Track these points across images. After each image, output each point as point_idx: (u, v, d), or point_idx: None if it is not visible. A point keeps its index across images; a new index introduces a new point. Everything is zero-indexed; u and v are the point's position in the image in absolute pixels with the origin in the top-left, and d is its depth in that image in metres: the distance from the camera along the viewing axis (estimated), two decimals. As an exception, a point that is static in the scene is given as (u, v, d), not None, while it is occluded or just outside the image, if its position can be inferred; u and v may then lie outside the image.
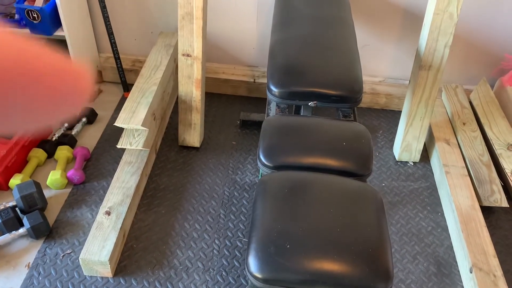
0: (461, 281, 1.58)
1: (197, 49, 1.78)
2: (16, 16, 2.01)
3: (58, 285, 1.50)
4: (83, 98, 0.40)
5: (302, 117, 1.47)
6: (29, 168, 1.81)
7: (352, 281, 0.99)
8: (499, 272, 1.50)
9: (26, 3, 1.96)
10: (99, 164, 1.91)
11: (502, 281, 1.48)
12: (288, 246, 1.01)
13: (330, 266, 1.00)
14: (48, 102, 0.36)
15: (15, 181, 1.73)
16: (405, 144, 1.96)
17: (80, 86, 0.39)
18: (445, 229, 1.75)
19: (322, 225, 1.06)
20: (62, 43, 2.10)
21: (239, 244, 1.65)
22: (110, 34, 2.08)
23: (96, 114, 2.11)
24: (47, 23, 1.95)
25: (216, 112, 2.21)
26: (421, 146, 1.96)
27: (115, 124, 1.70)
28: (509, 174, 1.84)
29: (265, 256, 1.01)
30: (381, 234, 1.06)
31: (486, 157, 1.91)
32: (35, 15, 1.93)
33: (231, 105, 2.25)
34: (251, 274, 1.01)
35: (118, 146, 1.69)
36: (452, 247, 1.69)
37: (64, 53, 0.38)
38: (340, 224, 1.06)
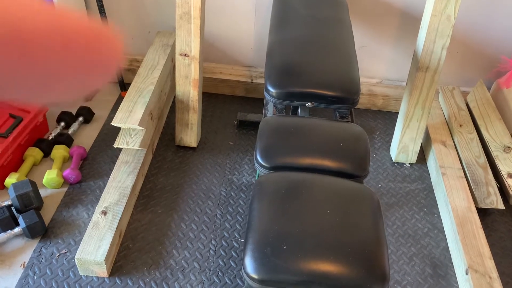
0: (457, 283, 1.58)
1: (195, 49, 1.77)
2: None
3: (54, 284, 1.49)
4: (114, 63, 0.39)
5: (299, 117, 1.47)
6: (25, 167, 1.81)
7: (349, 282, 0.99)
8: (494, 274, 1.50)
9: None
10: (95, 163, 1.90)
11: (498, 283, 1.48)
12: (284, 247, 1.01)
13: (326, 267, 1.00)
14: (80, 68, 0.35)
15: (10, 180, 1.72)
16: (402, 145, 1.96)
17: (111, 51, 0.38)
18: (441, 230, 1.76)
19: (318, 226, 1.06)
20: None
21: (235, 244, 1.65)
22: (108, 33, 2.07)
23: (93, 114, 2.11)
24: (44, 22, 1.94)
25: (213, 112, 2.21)
26: (417, 148, 1.97)
27: (112, 123, 1.69)
28: (505, 176, 1.84)
29: (262, 257, 1.00)
30: (377, 236, 1.06)
31: (483, 159, 1.91)
32: (32, 14, 1.92)
33: (229, 105, 2.25)
34: (247, 275, 1.01)
35: (115, 145, 1.69)
36: (448, 248, 1.69)
37: (95, 19, 0.38)
38: (337, 225, 1.06)
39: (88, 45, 0.35)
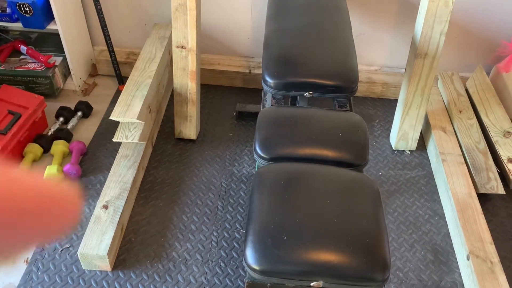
0: (458, 268, 1.59)
1: (192, 41, 1.76)
2: (8, 10, 1.98)
3: (57, 279, 1.50)
4: (70, 224, 0.39)
5: (297, 108, 1.47)
6: (25, 163, 1.81)
7: (349, 272, 1.00)
8: (495, 258, 1.51)
9: (17, -4, 1.93)
10: (95, 158, 1.90)
11: (499, 267, 1.49)
12: (285, 238, 1.01)
13: (327, 257, 1.00)
14: (33, 230, 0.36)
15: (11, 176, 1.72)
16: (402, 132, 1.96)
17: (68, 212, 0.39)
18: (442, 217, 1.76)
19: (318, 216, 1.07)
20: (55, 35, 2.09)
21: (237, 235, 1.66)
22: (104, 26, 2.06)
23: (92, 108, 2.10)
24: (39, 17, 1.93)
25: (212, 104, 2.20)
26: (417, 135, 1.96)
27: (111, 117, 1.69)
28: (505, 161, 1.84)
29: (263, 248, 1.01)
30: (377, 224, 1.06)
31: (483, 144, 1.91)
32: (27, 9, 1.91)
33: (227, 97, 2.24)
34: (248, 266, 1.01)
35: (114, 139, 1.68)
36: (449, 234, 1.70)
37: (51, 182, 0.38)
38: (337, 214, 1.06)
39: (41, 205, 0.36)
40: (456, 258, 1.62)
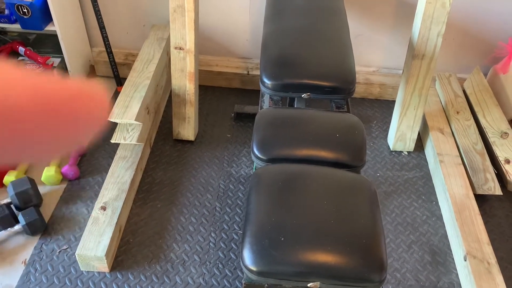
0: (456, 269, 1.60)
1: (190, 42, 1.76)
2: (6, 11, 1.99)
3: (55, 281, 1.50)
4: (99, 121, 0.39)
5: (295, 109, 1.47)
6: (23, 164, 1.81)
7: (346, 273, 1.00)
8: (493, 259, 1.51)
9: (15, -2, 1.93)
10: (93, 159, 1.90)
11: (496, 268, 1.49)
12: (282, 239, 1.02)
13: (324, 258, 1.01)
14: (65, 133, 0.36)
15: (9, 178, 1.72)
16: (399, 133, 1.96)
17: (96, 110, 0.39)
18: (440, 218, 1.77)
19: (316, 218, 1.07)
20: (54, 37, 2.09)
21: (235, 236, 1.66)
22: (102, 28, 2.07)
23: (90, 109, 2.10)
24: (37, 18, 1.93)
25: (210, 105, 2.21)
26: (415, 136, 1.97)
27: (108, 119, 1.69)
28: (502, 162, 1.85)
29: (260, 249, 1.01)
30: (374, 225, 1.07)
31: (480, 145, 1.91)
32: (25, 10, 1.91)
33: (225, 98, 2.25)
34: (246, 267, 1.01)
35: (112, 141, 1.69)
36: (446, 235, 1.70)
37: (76, 78, 0.38)
38: (334, 216, 1.07)
39: (71, 106, 0.36)
40: (453, 259, 1.63)
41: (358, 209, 1.10)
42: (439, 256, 1.64)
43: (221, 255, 1.60)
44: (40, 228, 1.61)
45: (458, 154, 1.88)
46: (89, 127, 0.39)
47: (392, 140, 2.00)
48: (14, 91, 0.31)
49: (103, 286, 1.50)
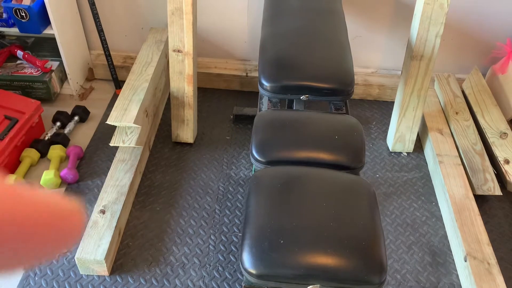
0: (456, 270, 1.59)
1: (188, 45, 1.76)
2: (4, 15, 1.99)
3: (55, 285, 1.50)
4: (73, 238, 0.40)
5: (293, 111, 1.47)
6: (22, 168, 1.80)
7: (346, 275, 1.00)
8: (493, 260, 1.51)
9: (13, 1, 1.93)
10: (92, 162, 1.90)
11: (496, 269, 1.49)
12: (281, 242, 1.01)
13: (324, 260, 1.00)
14: (38, 246, 0.37)
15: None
16: (399, 134, 1.96)
17: (71, 226, 0.39)
18: (439, 218, 1.76)
19: (315, 220, 1.07)
20: (52, 40, 2.09)
21: (234, 239, 1.66)
22: (100, 31, 2.06)
23: (88, 112, 2.10)
24: (35, 22, 1.93)
25: (209, 107, 2.20)
26: (414, 137, 1.97)
27: (107, 122, 1.69)
28: (502, 162, 1.84)
29: (259, 252, 1.01)
30: (374, 227, 1.07)
31: (479, 145, 1.91)
32: (23, 14, 1.91)
33: (224, 100, 2.25)
34: (245, 270, 1.01)
35: (111, 144, 1.68)
36: (446, 236, 1.70)
37: (53, 196, 0.39)
38: (333, 218, 1.07)
39: (47, 223, 0.36)
40: (453, 260, 1.63)
41: (357, 211, 1.10)
42: (439, 257, 1.64)
43: (220, 257, 1.60)
44: (39, 232, 1.61)
45: (457, 154, 1.88)
46: (59, 244, 0.39)
47: (391, 141, 2.00)
48: None
49: (102, 289, 1.49)
